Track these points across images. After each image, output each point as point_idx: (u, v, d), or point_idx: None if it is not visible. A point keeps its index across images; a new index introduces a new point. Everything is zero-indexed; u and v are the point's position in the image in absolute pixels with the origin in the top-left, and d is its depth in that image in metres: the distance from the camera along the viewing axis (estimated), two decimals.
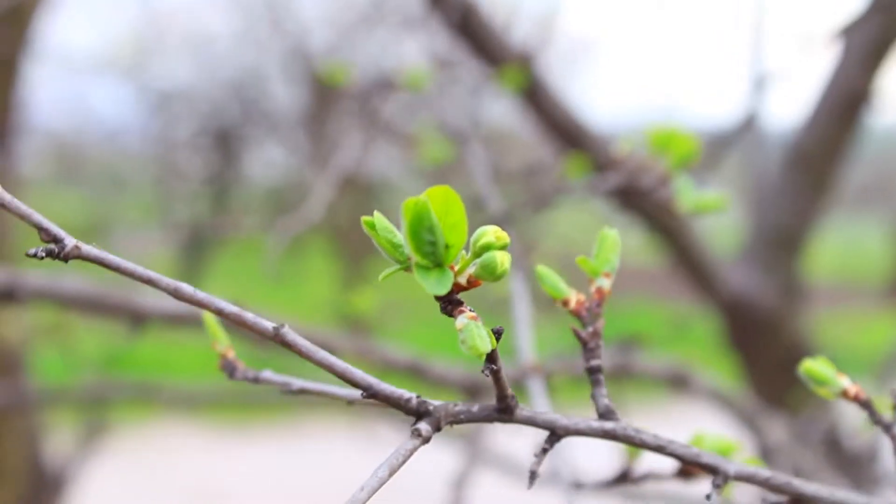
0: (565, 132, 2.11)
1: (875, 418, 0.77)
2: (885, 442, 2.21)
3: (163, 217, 9.09)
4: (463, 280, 0.61)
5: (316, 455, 5.95)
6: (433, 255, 0.59)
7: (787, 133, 2.44)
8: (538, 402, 1.09)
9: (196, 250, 7.44)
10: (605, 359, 1.76)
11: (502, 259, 0.59)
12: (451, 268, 0.60)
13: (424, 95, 1.78)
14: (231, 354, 0.80)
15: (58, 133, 8.98)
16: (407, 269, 0.60)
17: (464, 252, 0.60)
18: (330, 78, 1.85)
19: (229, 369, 0.79)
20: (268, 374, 0.78)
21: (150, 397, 2.32)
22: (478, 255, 0.60)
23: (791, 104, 2.59)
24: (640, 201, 2.12)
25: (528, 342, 1.13)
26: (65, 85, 8.68)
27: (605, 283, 0.73)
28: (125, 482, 5.41)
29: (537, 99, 2.09)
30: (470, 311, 0.61)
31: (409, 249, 0.59)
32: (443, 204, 0.58)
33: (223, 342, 0.80)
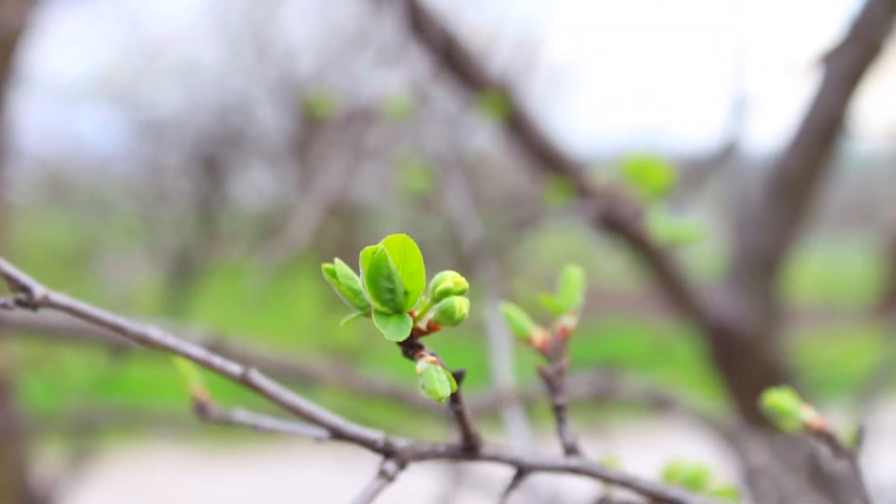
0: (545, 159, 2.13)
1: (837, 451, 0.78)
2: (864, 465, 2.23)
3: (150, 242, 9.08)
4: (423, 325, 0.62)
5: (303, 477, 5.95)
6: (392, 301, 0.60)
7: (768, 157, 2.46)
8: (515, 431, 1.10)
9: (183, 275, 7.44)
10: (586, 384, 1.77)
11: (461, 304, 0.60)
12: (411, 313, 0.61)
13: (406, 122, 1.80)
14: (203, 395, 0.81)
15: (46, 159, 8.98)
16: (367, 315, 0.61)
17: (423, 297, 0.61)
18: (312, 108, 1.87)
19: (201, 410, 0.80)
20: (239, 414, 0.79)
21: (137, 424, 2.32)
22: (437, 300, 0.61)
23: (771, 129, 2.61)
24: (620, 227, 2.13)
25: (506, 370, 1.14)
26: (53, 112, 8.69)
27: (570, 322, 0.74)
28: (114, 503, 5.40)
29: (517, 126, 2.10)
30: (431, 354, 0.62)
31: (368, 297, 0.60)
32: (401, 252, 0.59)
33: (195, 383, 0.81)
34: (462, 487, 1.61)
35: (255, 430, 0.77)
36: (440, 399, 0.61)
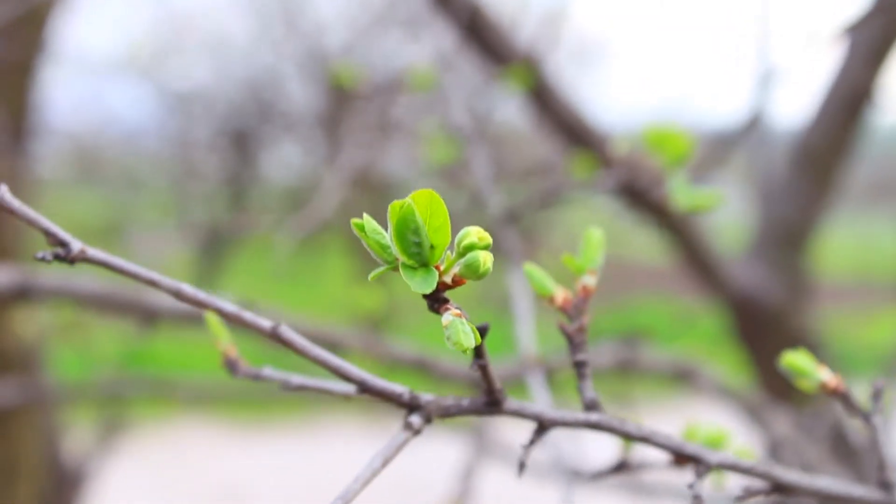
0: (571, 131, 2.14)
1: (852, 410, 0.80)
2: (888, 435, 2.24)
3: (180, 217, 9.13)
4: (448, 279, 0.64)
5: (332, 451, 5.99)
6: (419, 255, 0.62)
7: (793, 130, 2.46)
8: (538, 395, 1.11)
9: (213, 250, 7.48)
10: (610, 354, 1.79)
11: (485, 258, 0.62)
12: (437, 267, 0.63)
13: (435, 95, 1.81)
14: (233, 352, 0.83)
15: (76, 134, 9.04)
16: (395, 269, 0.63)
17: (448, 252, 0.63)
18: (339, 80, 1.88)
19: (231, 367, 0.82)
20: (268, 370, 0.81)
21: (166, 394, 2.35)
22: (462, 255, 0.63)
23: (797, 102, 2.61)
24: (644, 199, 2.14)
25: (529, 337, 1.16)
26: (83, 86, 8.73)
27: (590, 281, 0.76)
28: (143, 479, 5.45)
29: (543, 99, 2.11)
30: (456, 308, 0.64)
31: (395, 250, 0.62)
32: (427, 207, 0.61)
33: (225, 340, 0.83)
34: (484, 456, 1.63)
35: (283, 386, 0.79)
36: (465, 350, 0.62)
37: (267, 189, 10.00)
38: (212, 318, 0.81)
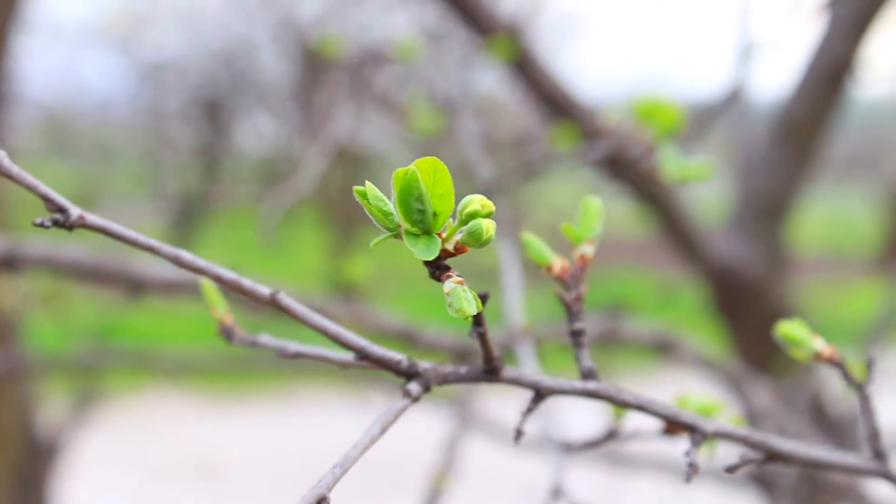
0: (553, 102, 2.13)
1: (848, 379, 0.80)
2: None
3: (153, 188, 9.10)
4: (450, 246, 0.63)
5: (309, 422, 6.00)
6: (422, 222, 0.62)
7: (774, 103, 2.47)
8: (527, 364, 1.12)
9: (186, 221, 7.45)
10: (592, 325, 1.80)
11: (487, 226, 0.62)
12: (439, 235, 0.63)
13: (416, 66, 1.80)
14: (229, 319, 0.82)
15: (48, 104, 8.96)
16: (397, 236, 0.63)
17: (451, 220, 0.63)
18: (321, 49, 1.87)
19: (228, 334, 0.82)
20: (265, 338, 0.81)
21: (144, 365, 2.34)
22: (464, 222, 0.63)
23: (777, 74, 2.61)
24: (628, 171, 2.14)
25: (518, 307, 1.16)
26: (55, 56, 8.66)
27: (588, 250, 0.76)
28: (116, 451, 5.45)
29: (526, 70, 2.11)
30: (457, 276, 0.64)
31: (399, 217, 0.62)
32: (431, 174, 0.61)
33: (221, 307, 0.82)
34: (468, 428, 1.63)
35: (280, 354, 0.79)
36: (466, 317, 0.62)
37: (240, 160, 9.97)
38: (207, 286, 0.81)
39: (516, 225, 1.44)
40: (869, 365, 0.81)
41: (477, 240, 0.62)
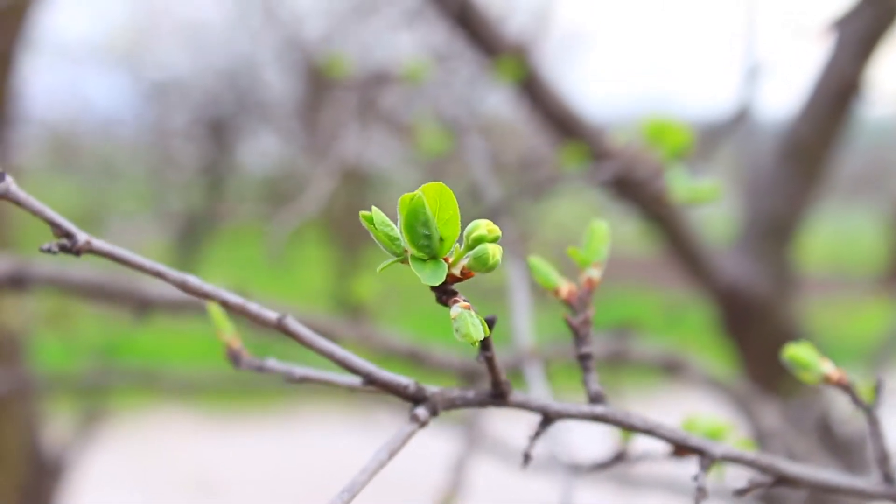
0: (561, 123, 2.13)
1: (857, 401, 0.80)
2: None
3: (157, 206, 9.10)
4: (457, 271, 0.63)
5: (313, 442, 5.98)
6: (428, 247, 0.61)
7: (781, 123, 2.46)
8: (535, 387, 1.11)
9: (190, 239, 7.46)
10: (600, 345, 1.79)
11: (494, 251, 0.62)
12: (446, 259, 0.62)
13: (422, 87, 1.81)
14: (236, 344, 0.82)
15: (53, 123, 8.98)
16: (403, 261, 0.63)
17: (457, 245, 0.63)
18: (328, 69, 1.87)
19: (235, 359, 0.82)
20: (272, 362, 0.80)
21: (149, 384, 2.34)
22: (471, 247, 0.63)
23: (784, 95, 2.61)
24: (636, 191, 2.14)
25: (526, 328, 1.16)
26: (60, 75, 8.68)
27: (595, 274, 0.76)
28: (123, 470, 5.44)
29: (533, 90, 2.11)
30: (464, 300, 0.64)
31: (405, 242, 0.62)
32: (437, 199, 0.61)
33: (228, 332, 0.82)
34: (476, 449, 1.63)
35: (287, 379, 0.79)
36: (473, 342, 0.62)
37: (244, 178, 9.98)
38: (214, 309, 0.81)
39: (524, 245, 1.44)
40: (878, 388, 0.80)
41: (483, 265, 0.62)
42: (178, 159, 9.51)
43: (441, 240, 0.61)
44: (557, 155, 1.84)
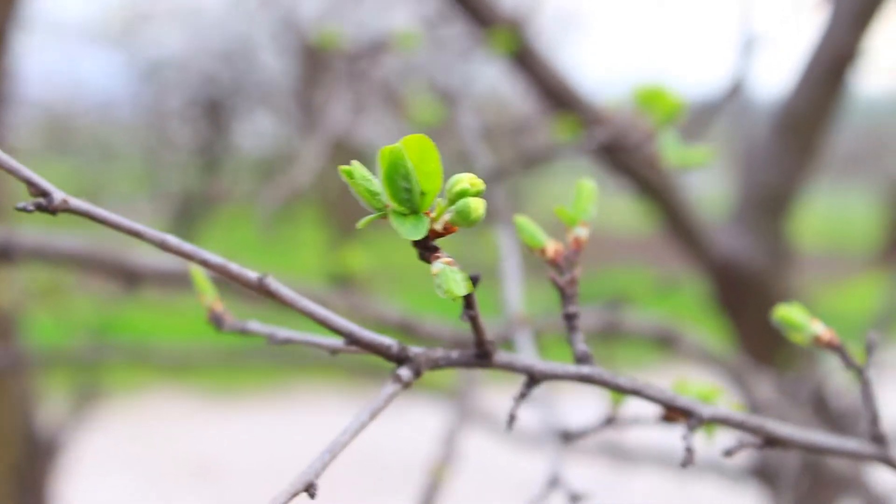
0: (555, 95, 2.12)
1: (848, 363, 0.79)
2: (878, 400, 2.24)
3: (153, 187, 9.09)
4: (439, 226, 0.62)
5: (306, 420, 5.98)
6: (409, 201, 0.60)
7: (775, 98, 2.45)
8: (524, 352, 1.10)
9: (186, 220, 7.45)
10: (593, 317, 1.78)
11: (476, 205, 0.61)
12: (428, 214, 0.61)
13: (415, 60, 1.79)
14: (219, 307, 0.81)
15: (48, 103, 8.95)
16: (384, 216, 0.61)
17: (440, 199, 0.62)
18: (321, 42, 1.86)
19: (217, 321, 0.81)
20: (254, 324, 0.79)
21: (142, 359, 2.33)
22: (453, 201, 0.62)
23: (779, 69, 2.60)
24: (629, 161, 2.13)
25: (517, 295, 1.15)
26: (55, 55, 8.65)
27: (583, 233, 0.75)
28: (114, 449, 5.43)
29: (527, 63, 2.10)
30: (447, 256, 0.63)
31: (385, 196, 0.60)
32: (418, 152, 0.60)
33: (210, 295, 0.81)
34: (467, 421, 1.62)
35: (270, 340, 0.78)
36: (455, 298, 0.61)
37: (240, 159, 9.96)
38: (197, 273, 0.80)
39: (515, 214, 1.42)
40: (869, 348, 0.80)
41: (466, 219, 0.61)
42: (173, 140, 9.49)
43: (422, 193, 0.60)
44: (549, 123, 1.83)
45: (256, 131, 9.80)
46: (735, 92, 2.50)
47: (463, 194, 0.61)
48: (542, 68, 2.09)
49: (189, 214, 7.81)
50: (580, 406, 1.47)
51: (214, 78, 9.13)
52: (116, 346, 2.38)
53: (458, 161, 1.54)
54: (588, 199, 0.75)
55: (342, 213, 7.27)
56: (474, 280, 0.65)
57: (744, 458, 2.44)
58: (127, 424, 5.84)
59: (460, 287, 0.61)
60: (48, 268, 1.81)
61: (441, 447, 1.44)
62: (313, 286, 1.65)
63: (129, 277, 1.54)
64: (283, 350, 2.45)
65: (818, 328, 0.79)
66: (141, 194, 9.12)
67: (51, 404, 3.27)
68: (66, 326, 3.08)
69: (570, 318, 0.74)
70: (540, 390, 1.05)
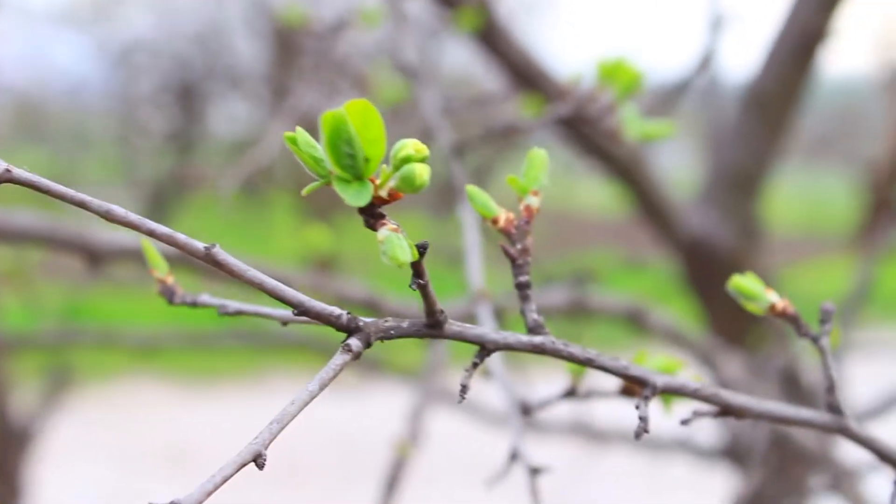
0: (522, 73, 2.11)
1: (802, 331, 0.78)
2: (842, 376, 2.25)
3: (127, 173, 9.04)
4: (384, 193, 0.62)
5: (280, 406, 5.97)
6: (352, 167, 0.60)
7: (744, 77, 2.45)
8: (485, 324, 1.10)
9: (160, 206, 7.42)
10: (559, 295, 1.77)
11: (421, 171, 0.60)
12: (372, 180, 0.61)
13: (382, 40, 1.78)
14: (170, 280, 0.81)
15: (18, 89, 8.89)
16: (328, 182, 0.61)
17: (385, 166, 0.61)
18: (288, 21, 1.85)
19: (168, 294, 0.80)
20: (205, 297, 0.79)
21: (110, 343, 2.32)
22: (398, 167, 0.61)
23: (749, 48, 2.59)
24: (595, 139, 2.12)
25: (477, 269, 1.14)
26: (24, 39, 8.59)
27: (534, 202, 0.74)
28: (92, 436, 5.42)
29: (493, 41, 2.09)
30: (392, 224, 0.62)
31: (329, 163, 0.60)
32: (361, 118, 0.59)
33: (162, 268, 0.81)
34: (434, 400, 1.62)
35: (220, 312, 0.77)
36: (401, 265, 0.60)
37: (213, 144, 9.92)
38: (148, 245, 0.79)
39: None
40: (824, 319, 0.79)
41: (410, 185, 0.60)
42: (146, 125, 9.44)
43: (366, 160, 0.60)
44: (512, 97, 1.83)
45: (230, 115, 9.77)
46: (703, 69, 2.49)
47: (407, 160, 0.61)
48: (509, 46, 2.08)
49: (163, 200, 7.78)
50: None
51: (187, 62, 9.08)
52: (84, 331, 2.36)
53: (423, 138, 1.53)
54: (539, 167, 0.75)
55: (318, 200, 7.25)
56: (422, 249, 0.64)
57: (714, 437, 2.44)
58: (101, 411, 5.82)
59: (405, 253, 0.60)
60: (10, 249, 1.79)
61: (406, 425, 1.44)
62: (274, 265, 1.64)
63: (91, 255, 1.52)
64: (253, 333, 2.44)
65: (773, 297, 0.79)
66: (115, 181, 9.07)
67: (22, 391, 3.25)
68: (33, 312, 3.06)
69: (521, 288, 0.73)
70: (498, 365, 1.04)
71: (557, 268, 1.76)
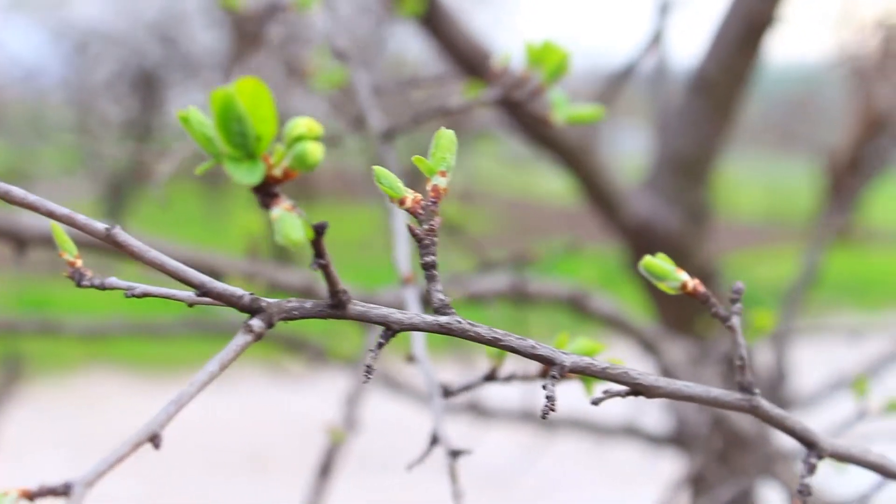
0: (468, 60, 2.11)
1: (713, 311, 0.79)
2: (793, 364, 2.26)
3: (85, 164, 8.97)
4: (278, 172, 0.61)
5: (240, 395, 5.96)
6: (244, 146, 0.59)
7: (691, 62, 2.45)
8: (412, 310, 1.09)
9: (119, 197, 7.37)
10: (499, 281, 1.77)
11: (314, 149, 0.60)
12: (265, 159, 0.60)
13: (315, 21, 1.77)
14: (79, 263, 0.80)
15: None
16: (219, 161, 0.60)
17: (279, 145, 0.61)
18: (224, 4, 1.83)
19: (77, 277, 0.79)
20: (112, 279, 0.78)
21: (56, 332, 2.30)
22: (290, 146, 0.60)
23: (696, 34, 2.60)
24: (533, 124, 2.12)
25: (404, 254, 1.14)
26: None
27: (441, 181, 0.74)
28: (50, 428, 5.38)
29: (437, 26, 2.08)
30: (287, 202, 0.61)
31: (220, 141, 0.59)
32: (252, 97, 0.58)
33: (70, 250, 0.80)
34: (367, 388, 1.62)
35: (128, 293, 0.76)
36: (295, 243, 0.60)
37: (172, 134, 9.86)
38: (56, 227, 0.78)
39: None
40: (734, 298, 0.80)
41: (303, 163, 0.60)
42: (104, 114, 9.37)
43: (257, 138, 0.59)
44: (450, 79, 1.82)
45: (188, 104, 9.71)
46: (651, 52, 2.50)
47: (300, 139, 0.60)
48: (453, 31, 2.08)
49: (121, 191, 7.73)
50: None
51: (144, 50, 9.02)
52: (30, 320, 2.34)
53: (356, 122, 1.53)
54: (446, 148, 0.74)
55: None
56: (319, 229, 0.64)
57: (662, 425, 2.46)
58: (60, 402, 5.78)
59: (297, 232, 0.60)
60: None
61: (342, 409, 1.44)
62: (212, 253, 1.63)
63: (18, 241, 1.51)
64: (202, 321, 2.42)
65: (683, 276, 0.79)
66: (73, 171, 9.00)
67: None
68: None
69: (427, 268, 0.73)
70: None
71: (498, 253, 1.75)
